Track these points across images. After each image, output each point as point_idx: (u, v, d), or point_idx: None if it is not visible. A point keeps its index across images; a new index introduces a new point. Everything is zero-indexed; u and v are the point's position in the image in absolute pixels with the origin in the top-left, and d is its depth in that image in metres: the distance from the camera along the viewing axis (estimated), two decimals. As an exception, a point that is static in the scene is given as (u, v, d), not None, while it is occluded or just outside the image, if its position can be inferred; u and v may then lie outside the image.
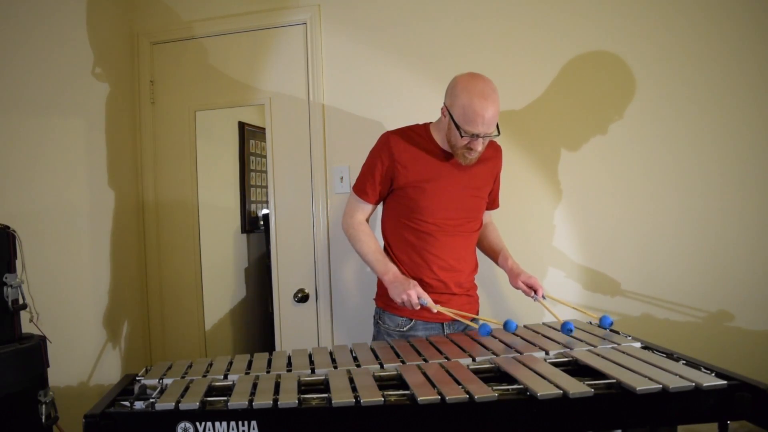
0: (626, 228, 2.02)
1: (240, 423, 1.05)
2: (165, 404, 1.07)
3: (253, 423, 1.05)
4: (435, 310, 1.54)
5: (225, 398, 1.09)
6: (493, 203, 1.85)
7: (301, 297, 2.28)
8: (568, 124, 2.06)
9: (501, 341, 1.44)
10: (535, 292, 1.64)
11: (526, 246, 2.06)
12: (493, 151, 1.76)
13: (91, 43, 2.12)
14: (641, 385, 1.05)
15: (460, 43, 2.13)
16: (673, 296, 1.99)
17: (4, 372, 1.34)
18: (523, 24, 2.08)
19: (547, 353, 1.32)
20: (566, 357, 1.29)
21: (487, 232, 1.85)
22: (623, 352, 1.28)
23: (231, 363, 1.36)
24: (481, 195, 1.73)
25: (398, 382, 1.21)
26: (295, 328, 2.31)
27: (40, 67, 1.86)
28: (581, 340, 1.40)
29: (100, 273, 2.14)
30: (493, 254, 1.82)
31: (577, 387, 1.07)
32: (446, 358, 1.31)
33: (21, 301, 1.45)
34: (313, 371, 1.27)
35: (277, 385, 1.16)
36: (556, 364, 1.23)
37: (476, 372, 1.21)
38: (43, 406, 1.44)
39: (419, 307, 1.53)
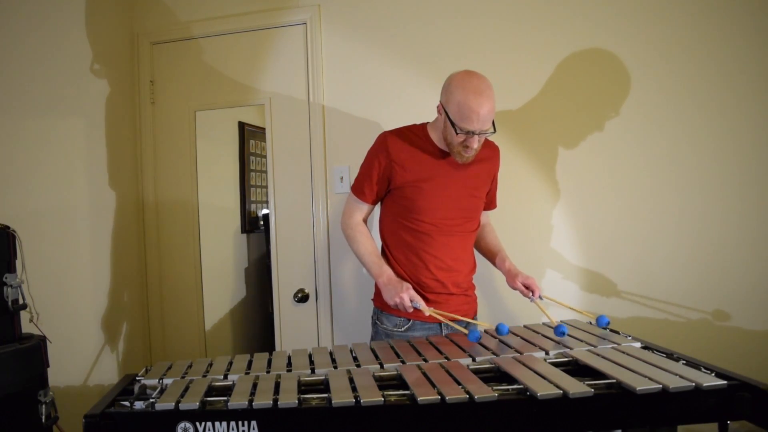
0: (625, 227, 2.02)
1: (240, 423, 1.05)
2: (165, 404, 1.07)
3: (253, 423, 1.05)
4: (427, 314, 1.54)
5: (225, 398, 1.09)
6: (490, 204, 1.85)
7: (301, 297, 2.28)
8: (565, 123, 2.06)
9: (501, 341, 1.44)
10: (533, 292, 1.63)
11: (524, 246, 2.06)
12: (491, 151, 1.76)
13: (91, 43, 2.12)
14: (641, 385, 1.05)
15: (460, 43, 2.13)
16: (673, 296, 1.99)
17: (4, 372, 1.34)
18: (522, 23, 2.08)
19: (547, 353, 1.32)
20: (566, 357, 1.29)
21: (484, 233, 1.85)
22: (623, 352, 1.28)
23: (231, 363, 1.36)
24: (479, 195, 1.72)
25: (398, 382, 1.21)
26: (295, 328, 2.31)
27: (40, 67, 1.85)
28: (581, 340, 1.40)
29: (100, 273, 2.14)
30: (491, 255, 1.82)
31: (577, 387, 1.07)
32: (446, 358, 1.31)
33: (21, 301, 1.45)
34: (313, 371, 1.27)
35: (277, 385, 1.16)
36: (556, 364, 1.23)
37: (476, 372, 1.21)
38: (43, 406, 1.44)
39: (412, 310, 1.54)
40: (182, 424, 1.06)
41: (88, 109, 2.11)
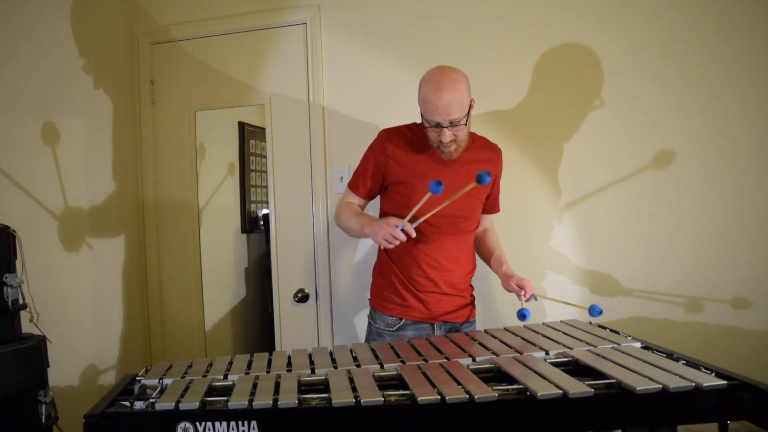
0: (625, 224, 2.02)
1: (240, 423, 1.05)
2: (165, 404, 1.07)
3: (253, 423, 1.05)
4: (413, 235, 1.50)
5: (225, 398, 1.09)
6: (492, 207, 1.84)
7: (301, 297, 2.28)
8: (562, 119, 2.06)
9: (501, 341, 1.44)
10: (525, 293, 1.59)
11: (523, 246, 2.06)
12: (492, 153, 1.75)
13: (91, 43, 2.12)
14: (641, 385, 1.05)
15: (460, 42, 2.13)
16: (673, 296, 1.99)
17: (4, 372, 1.34)
18: (522, 23, 2.08)
19: (547, 353, 1.32)
20: (566, 357, 1.29)
21: (486, 237, 1.84)
22: (623, 352, 1.28)
23: (231, 363, 1.36)
24: (477, 195, 1.71)
25: (398, 382, 1.21)
26: (295, 328, 2.31)
27: (40, 67, 1.86)
28: (581, 340, 1.40)
29: (100, 273, 2.13)
30: (490, 259, 1.80)
31: (577, 387, 1.07)
32: (446, 358, 1.31)
33: (21, 301, 1.45)
34: (313, 371, 1.27)
35: (277, 385, 1.16)
36: (556, 364, 1.23)
37: (476, 372, 1.21)
38: (43, 406, 1.44)
39: (403, 235, 1.48)
40: (182, 424, 1.05)
41: (88, 108, 2.11)
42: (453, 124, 1.52)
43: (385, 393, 1.09)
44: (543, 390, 1.06)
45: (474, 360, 1.29)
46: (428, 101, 1.51)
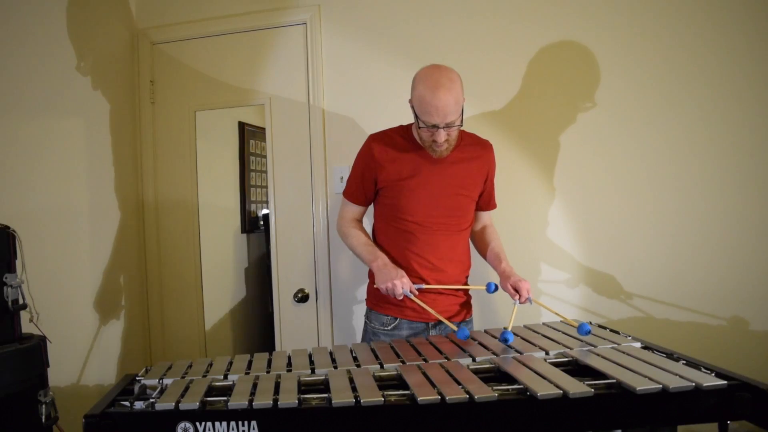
0: (622, 222, 2.02)
1: (240, 423, 1.05)
2: (165, 404, 1.07)
3: (253, 423, 1.05)
4: (416, 299, 1.53)
5: (225, 398, 1.09)
6: (488, 204, 1.82)
7: (301, 297, 2.28)
8: (556, 114, 2.06)
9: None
10: (520, 296, 1.56)
11: (517, 246, 2.06)
12: (481, 149, 1.73)
13: (91, 43, 2.11)
14: (641, 385, 1.05)
15: (460, 42, 2.13)
16: (672, 296, 1.99)
17: (4, 372, 1.34)
18: (522, 23, 2.08)
19: (547, 353, 1.32)
20: (566, 357, 1.29)
21: (485, 234, 1.83)
22: (623, 352, 1.28)
23: (231, 363, 1.36)
24: (467, 194, 1.70)
25: (398, 382, 1.21)
26: (295, 328, 2.31)
27: (40, 67, 1.85)
28: (581, 340, 1.40)
29: (100, 273, 2.13)
30: (490, 257, 1.78)
31: (577, 387, 1.07)
32: (446, 358, 1.31)
33: (21, 301, 1.45)
34: (313, 371, 1.27)
35: (277, 385, 1.16)
36: (556, 364, 1.23)
37: (476, 372, 1.21)
38: (43, 406, 1.44)
39: (401, 297, 1.53)
40: (182, 424, 1.06)
41: (88, 109, 2.11)
42: (449, 125, 1.51)
43: (385, 393, 1.09)
44: (543, 390, 1.06)
45: (474, 360, 1.29)
46: (425, 102, 1.49)
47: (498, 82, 2.10)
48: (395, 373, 1.24)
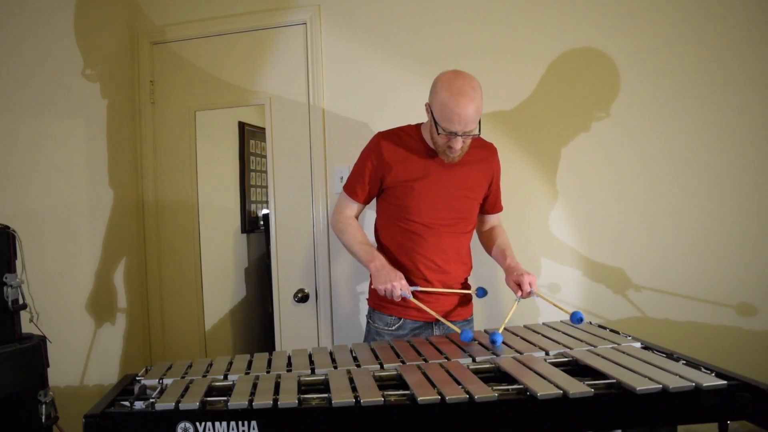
0: (625, 225, 2.02)
1: (240, 423, 1.05)
2: (165, 404, 1.07)
3: (253, 423, 1.05)
4: (411, 298, 1.53)
5: (225, 398, 1.09)
6: (494, 206, 1.82)
7: (301, 297, 2.28)
8: (560, 121, 2.06)
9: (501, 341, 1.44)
10: (521, 288, 1.55)
11: (524, 244, 2.06)
12: (487, 151, 1.74)
13: (90, 43, 2.12)
14: (641, 385, 1.05)
15: (460, 43, 2.13)
16: (673, 295, 1.99)
17: (4, 372, 1.34)
18: (521, 24, 2.08)
19: (547, 353, 1.32)
20: (566, 357, 1.29)
21: (493, 234, 1.82)
22: (623, 352, 1.28)
23: (231, 363, 1.36)
24: (473, 196, 1.71)
25: (398, 382, 1.21)
26: (295, 328, 2.31)
27: (40, 67, 1.85)
28: (581, 340, 1.40)
29: (100, 273, 2.13)
30: (496, 253, 1.77)
31: (577, 387, 1.07)
32: (446, 358, 1.31)
33: (21, 301, 1.45)
34: (313, 371, 1.27)
35: (277, 385, 1.16)
36: (556, 364, 1.23)
37: (476, 372, 1.21)
38: (43, 406, 1.43)
39: (399, 299, 1.53)
40: (182, 424, 1.06)
41: (88, 109, 2.11)
42: (467, 134, 1.51)
43: (385, 393, 1.09)
44: (543, 390, 1.06)
45: (474, 360, 1.29)
46: (448, 109, 1.48)
47: (497, 82, 2.09)
48: (395, 373, 1.24)
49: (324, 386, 1.19)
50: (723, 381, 1.07)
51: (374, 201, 1.79)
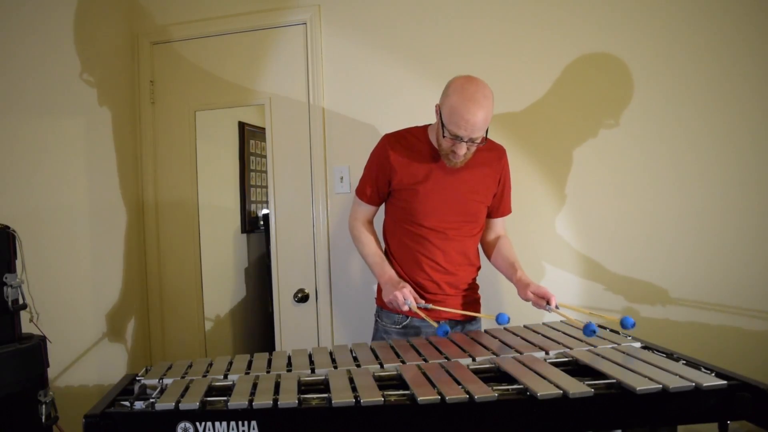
0: (631, 230, 2.02)
1: (240, 423, 1.05)
2: (165, 404, 1.07)
3: (253, 423, 1.05)
4: (414, 309, 1.52)
5: (225, 398, 1.09)
6: (499, 209, 1.79)
7: (301, 297, 2.28)
8: (570, 126, 2.05)
9: (501, 341, 1.44)
10: (548, 302, 1.51)
11: (526, 249, 2.06)
12: (495, 153, 1.73)
13: (90, 43, 2.12)
14: (641, 385, 1.05)
15: (460, 43, 2.13)
16: (672, 296, 1.99)
17: (4, 372, 1.34)
18: (525, 24, 2.08)
19: (547, 353, 1.32)
20: (566, 357, 1.29)
21: (500, 245, 1.77)
22: (623, 352, 1.28)
23: (231, 363, 1.36)
24: (479, 199, 1.70)
25: (398, 382, 1.21)
26: (295, 328, 2.31)
27: (40, 67, 1.85)
28: (581, 341, 1.40)
29: (100, 273, 2.13)
30: (505, 268, 1.73)
31: (577, 387, 1.07)
32: (446, 358, 1.31)
33: (21, 301, 1.45)
34: (313, 371, 1.27)
35: (277, 385, 1.16)
36: (556, 364, 1.23)
37: (476, 372, 1.21)
38: (43, 406, 1.44)
39: (406, 308, 1.53)
40: (182, 424, 1.06)
41: (88, 109, 2.11)
42: (472, 140, 1.51)
43: (385, 393, 1.09)
44: (543, 390, 1.06)
45: (474, 360, 1.29)
46: (456, 113, 1.47)
47: (498, 83, 2.08)
48: (395, 373, 1.24)
49: (324, 386, 1.19)
50: (723, 381, 1.07)
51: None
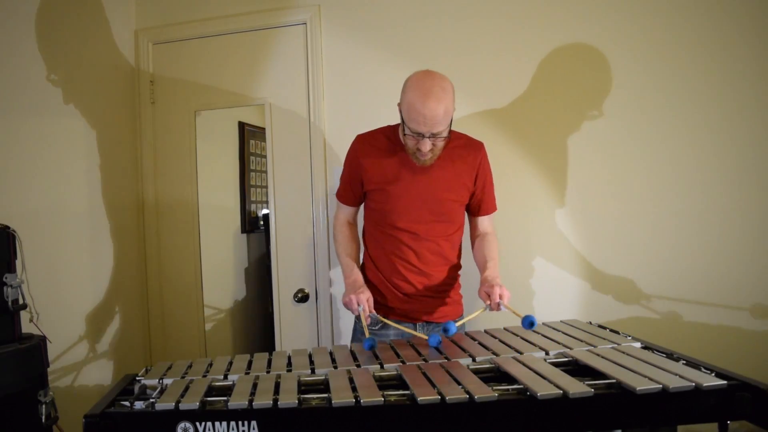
0: (624, 224, 2.02)
1: (240, 423, 1.05)
2: (165, 404, 1.07)
3: (253, 423, 1.05)
4: (365, 314, 1.51)
5: (225, 398, 1.09)
6: (480, 208, 1.72)
7: (301, 297, 2.28)
8: (554, 119, 2.06)
9: (501, 341, 1.44)
10: (491, 302, 1.47)
11: (513, 248, 2.06)
12: (470, 151, 1.65)
13: (90, 43, 2.12)
14: (641, 385, 1.05)
15: (460, 43, 2.13)
16: (671, 296, 1.99)
17: (4, 372, 1.34)
18: (520, 24, 2.08)
19: (547, 353, 1.32)
20: (566, 357, 1.29)
21: (482, 243, 1.71)
22: (623, 352, 1.28)
23: (231, 363, 1.36)
24: (454, 198, 1.64)
25: (398, 382, 1.21)
26: (295, 328, 2.31)
27: (39, 67, 1.85)
28: (581, 340, 1.40)
29: (100, 273, 2.13)
30: (480, 266, 1.67)
31: (577, 387, 1.07)
32: (446, 358, 1.31)
33: (21, 301, 1.45)
34: (313, 371, 1.27)
35: (277, 385, 1.16)
36: (556, 364, 1.23)
37: (476, 372, 1.21)
38: (43, 406, 1.44)
39: (357, 313, 1.52)
40: (182, 424, 1.05)
41: (88, 109, 2.11)
42: (435, 135, 1.48)
43: (385, 393, 1.09)
44: (543, 390, 1.06)
45: (474, 360, 1.29)
46: (414, 109, 1.44)
47: (499, 82, 2.09)
48: (395, 373, 1.24)
49: (324, 386, 1.19)
50: (723, 381, 1.07)
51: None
